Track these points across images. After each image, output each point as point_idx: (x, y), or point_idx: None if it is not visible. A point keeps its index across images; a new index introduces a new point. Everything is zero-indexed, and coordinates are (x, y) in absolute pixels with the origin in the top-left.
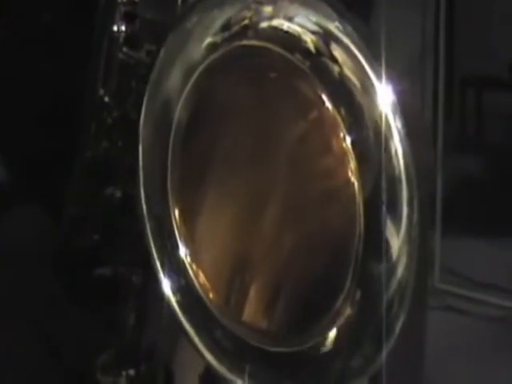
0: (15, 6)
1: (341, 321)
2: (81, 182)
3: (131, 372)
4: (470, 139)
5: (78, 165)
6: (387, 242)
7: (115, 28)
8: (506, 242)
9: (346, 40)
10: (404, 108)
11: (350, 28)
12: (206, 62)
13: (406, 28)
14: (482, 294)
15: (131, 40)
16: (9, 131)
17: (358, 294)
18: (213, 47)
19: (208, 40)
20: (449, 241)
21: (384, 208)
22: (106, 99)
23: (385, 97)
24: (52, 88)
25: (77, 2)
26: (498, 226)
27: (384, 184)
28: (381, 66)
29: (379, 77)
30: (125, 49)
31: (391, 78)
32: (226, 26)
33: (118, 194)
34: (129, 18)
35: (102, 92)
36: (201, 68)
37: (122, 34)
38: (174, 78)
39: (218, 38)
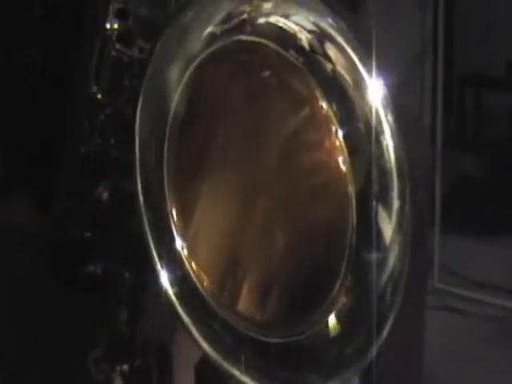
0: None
1: (335, 310)
2: (73, 178)
3: (125, 367)
4: (468, 138)
5: (70, 161)
6: (379, 232)
7: (108, 25)
8: (505, 242)
9: (340, 39)
10: (395, 102)
11: (343, 26)
12: (203, 54)
13: (405, 27)
14: (480, 293)
15: (124, 37)
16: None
17: (352, 283)
18: (212, 38)
19: (209, 30)
20: (448, 240)
21: (375, 199)
22: (99, 96)
23: (376, 92)
24: (45, 82)
25: None
26: (497, 225)
27: (375, 176)
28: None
29: (370, 73)
30: (118, 46)
31: (382, 74)
32: (226, 19)
33: (110, 190)
34: (121, 15)
35: (94, 89)
36: (197, 61)
37: (115, 31)
38: (171, 71)
39: (218, 30)
